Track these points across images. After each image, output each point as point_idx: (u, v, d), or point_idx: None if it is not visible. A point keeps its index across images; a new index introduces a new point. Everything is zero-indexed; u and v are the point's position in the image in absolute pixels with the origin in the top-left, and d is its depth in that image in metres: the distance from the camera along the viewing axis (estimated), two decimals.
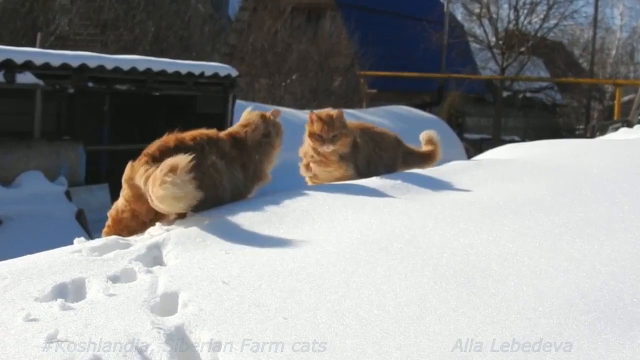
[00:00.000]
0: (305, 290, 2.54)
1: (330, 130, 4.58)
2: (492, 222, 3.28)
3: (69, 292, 2.60)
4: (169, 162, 3.32)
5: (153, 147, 3.65)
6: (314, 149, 4.66)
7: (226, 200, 3.76)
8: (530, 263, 2.74)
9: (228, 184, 3.78)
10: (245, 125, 4.10)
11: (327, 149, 4.60)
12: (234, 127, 4.14)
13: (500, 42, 32.28)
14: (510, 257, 2.80)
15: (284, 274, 2.69)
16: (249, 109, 4.27)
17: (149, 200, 3.39)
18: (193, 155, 3.38)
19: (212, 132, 3.92)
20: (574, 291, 2.49)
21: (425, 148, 5.48)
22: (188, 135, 3.77)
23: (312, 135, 4.62)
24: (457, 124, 26.55)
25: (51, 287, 2.59)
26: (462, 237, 3.06)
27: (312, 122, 4.61)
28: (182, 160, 3.32)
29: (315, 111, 4.67)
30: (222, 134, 4.01)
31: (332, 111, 4.70)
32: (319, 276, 2.66)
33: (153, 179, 3.33)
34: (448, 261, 2.77)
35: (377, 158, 5.00)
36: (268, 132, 4.14)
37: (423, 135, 5.51)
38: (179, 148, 3.58)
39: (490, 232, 3.11)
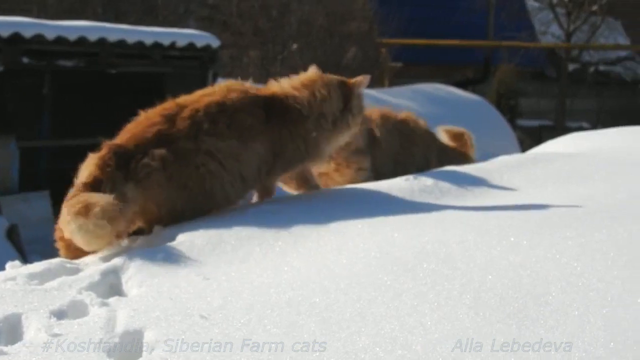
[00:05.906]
0: (309, 325, 2.57)
1: None
2: (552, 234, 3.31)
3: (1, 333, 2.64)
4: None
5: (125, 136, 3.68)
6: None
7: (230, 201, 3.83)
8: (601, 287, 2.76)
9: (231, 177, 3.79)
10: (305, 87, 4.01)
11: None
12: (283, 85, 4.03)
13: None
14: (574, 280, 2.82)
15: (281, 305, 2.72)
16: (314, 69, 4.16)
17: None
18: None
19: (234, 93, 3.85)
20: None
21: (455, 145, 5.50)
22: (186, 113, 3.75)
23: None
24: (508, 107, 26.50)
25: None
26: (513, 254, 3.08)
27: None
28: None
29: None
30: (255, 92, 3.93)
31: None
32: (326, 307, 2.68)
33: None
34: (494, 286, 2.79)
35: (406, 156, 4.96)
36: (349, 105, 4.07)
37: (442, 131, 5.50)
38: (162, 140, 3.62)
39: (549, 248, 3.13)
